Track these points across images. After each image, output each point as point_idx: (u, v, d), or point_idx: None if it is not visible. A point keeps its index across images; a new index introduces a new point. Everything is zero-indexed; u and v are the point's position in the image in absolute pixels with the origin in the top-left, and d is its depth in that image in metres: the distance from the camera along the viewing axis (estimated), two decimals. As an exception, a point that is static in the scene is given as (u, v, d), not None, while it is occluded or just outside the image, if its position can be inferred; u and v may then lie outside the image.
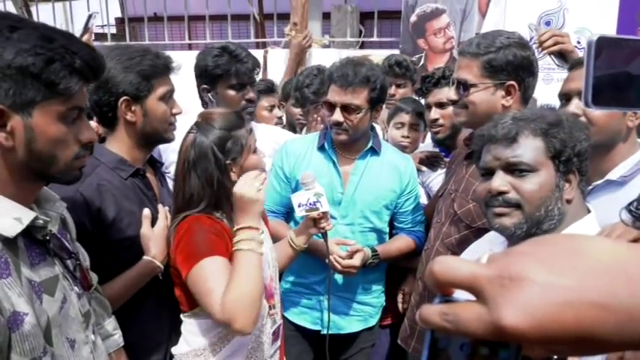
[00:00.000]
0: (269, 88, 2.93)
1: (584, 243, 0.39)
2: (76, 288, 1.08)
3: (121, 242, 1.43)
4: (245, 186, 1.38)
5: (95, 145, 1.49)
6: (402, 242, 2.03)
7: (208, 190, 1.41)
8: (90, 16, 2.20)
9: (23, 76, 0.90)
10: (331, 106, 1.87)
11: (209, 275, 1.31)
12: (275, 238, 1.78)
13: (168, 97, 1.52)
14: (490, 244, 1.22)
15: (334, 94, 1.85)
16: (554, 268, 0.37)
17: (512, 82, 1.53)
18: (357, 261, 1.86)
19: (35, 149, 0.95)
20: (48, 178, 1.03)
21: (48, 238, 1.01)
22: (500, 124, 1.15)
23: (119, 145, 1.50)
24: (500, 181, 1.12)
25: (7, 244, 0.92)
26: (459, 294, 0.40)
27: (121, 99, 1.44)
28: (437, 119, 2.21)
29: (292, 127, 2.85)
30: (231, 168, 1.44)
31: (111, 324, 1.33)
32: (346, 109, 1.84)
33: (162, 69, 1.50)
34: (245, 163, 1.47)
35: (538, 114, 1.13)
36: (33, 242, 0.99)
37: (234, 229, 1.39)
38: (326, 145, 1.98)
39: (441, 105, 2.18)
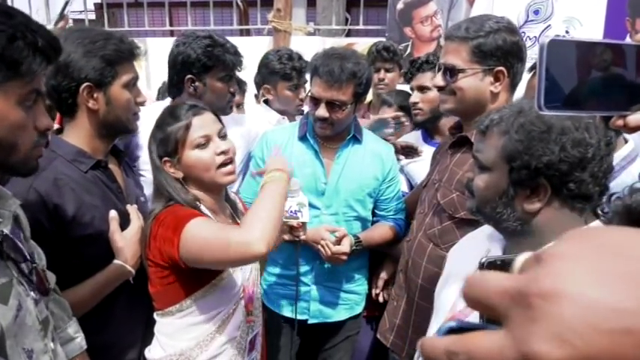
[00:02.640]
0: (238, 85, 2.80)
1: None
2: (32, 293, 0.99)
3: (84, 239, 1.34)
4: (278, 160, 1.46)
5: (51, 137, 1.40)
6: (383, 230, 2.01)
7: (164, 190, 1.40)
8: (66, 3, 2.11)
9: None
10: (316, 101, 1.82)
11: (205, 228, 1.28)
12: None
13: (132, 85, 1.43)
14: (490, 239, 1.15)
15: (319, 90, 1.79)
16: (602, 278, 0.27)
17: (501, 68, 1.48)
18: (346, 247, 1.86)
19: None
20: (6, 170, 0.95)
21: (0, 240, 0.92)
22: (489, 115, 1.09)
23: (78, 134, 1.40)
24: (470, 167, 1.15)
25: None
26: (475, 318, 0.32)
27: (83, 85, 1.35)
28: (416, 102, 2.24)
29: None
30: (167, 164, 1.39)
31: (72, 327, 1.23)
32: (331, 104, 1.80)
33: (127, 54, 1.41)
34: (184, 158, 1.38)
35: (522, 111, 1.05)
36: None
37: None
38: (308, 134, 1.94)
39: (421, 89, 2.23)
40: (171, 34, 5.21)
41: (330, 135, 1.89)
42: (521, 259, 0.31)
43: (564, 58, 0.55)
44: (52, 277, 1.15)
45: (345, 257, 1.87)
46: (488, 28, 1.49)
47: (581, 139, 0.96)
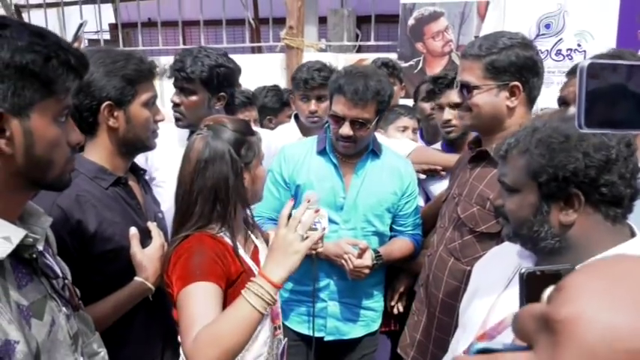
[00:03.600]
0: (248, 100, 2.79)
1: None
2: (64, 309, 1.00)
3: (105, 255, 1.35)
4: (291, 232, 1.24)
5: None
6: (402, 244, 2.00)
7: (214, 194, 1.33)
8: (81, 25, 2.15)
9: (22, 75, 0.84)
10: (339, 119, 1.82)
11: (194, 302, 1.22)
12: None
13: (151, 104, 1.46)
14: (520, 256, 1.15)
15: (343, 107, 1.80)
16: (619, 303, 0.29)
17: (515, 83, 1.50)
18: (368, 260, 1.84)
19: (34, 154, 0.89)
20: (43, 186, 0.97)
21: (35, 256, 0.93)
22: (506, 140, 1.11)
23: (99, 152, 1.42)
24: (498, 194, 1.16)
25: None
26: (506, 336, 0.33)
27: (104, 104, 1.37)
28: (449, 120, 2.20)
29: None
30: (244, 173, 1.38)
31: (96, 341, 1.24)
32: (355, 122, 1.80)
33: (146, 74, 1.43)
34: (257, 170, 1.42)
35: (537, 129, 1.06)
36: (19, 262, 0.91)
37: (259, 269, 1.27)
38: (327, 148, 1.94)
39: (453, 106, 2.17)
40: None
41: (352, 153, 1.90)
42: (547, 291, 0.34)
43: (602, 79, 0.58)
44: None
45: (367, 271, 1.85)
46: (501, 44, 1.51)
47: (601, 142, 0.97)
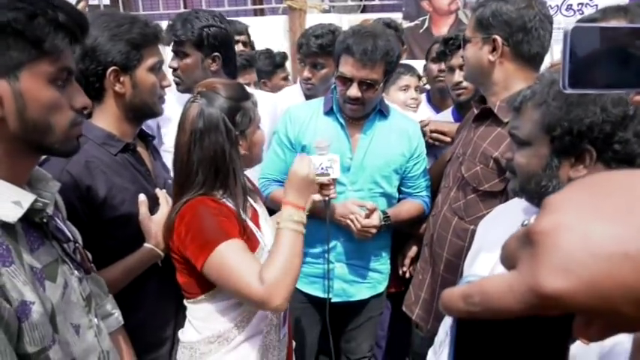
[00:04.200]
0: (248, 63, 2.73)
1: (638, 179, 0.30)
2: (76, 272, 1.02)
3: (115, 220, 1.37)
4: (304, 166, 1.38)
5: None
6: (411, 206, 2.00)
7: (214, 164, 1.34)
8: None
9: (5, 34, 0.81)
10: (347, 80, 1.79)
11: (232, 260, 1.26)
12: (279, 206, 1.74)
13: (157, 69, 1.44)
14: (525, 212, 1.15)
15: (351, 68, 1.77)
16: (598, 211, 0.28)
17: (495, 36, 1.49)
18: (375, 220, 1.85)
19: (28, 117, 0.87)
20: (45, 151, 0.96)
21: (45, 220, 0.94)
22: (521, 92, 1.09)
23: (107, 118, 1.42)
24: (507, 148, 1.15)
25: (6, 229, 0.85)
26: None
27: (110, 69, 1.36)
28: (460, 82, 2.17)
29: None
30: (240, 141, 1.38)
31: (109, 303, 1.28)
32: (363, 83, 1.78)
33: (152, 38, 1.42)
34: (253, 136, 1.41)
35: (555, 81, 1.04)
36: (30, 226, 0.92)
37: (283, 201, 1.37)
38: (334, 109, 1.93)
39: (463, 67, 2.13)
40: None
41: (360, 115, 1.88)
42: (534, 216, 0.33)
43: (587, 42, 0.60)
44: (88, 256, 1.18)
45: (374, 231, 1.86)
46: None
47: (620, 97, 0.95)
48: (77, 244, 1.06)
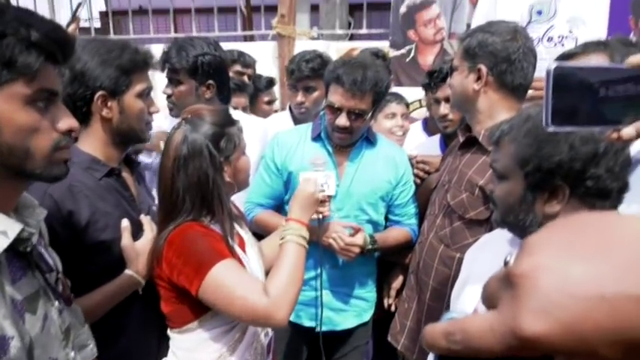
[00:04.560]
0: (238, 87, 2.77)
1: (614, 221, 0.30)
2: (56, 303, 0.98)
3: (97, 245, 1.35)
4: (310, 184, 1.47)
5: None
6: (398, 233, 2.01)
7: (199, 190, 1.34)
8: (79, 5, 2.12)
9: None
10: (336, 109, 1.82)
11: (231, 278, 1.24)
12: (266, 229, 1.74)
13: (145, 95, 1.45)
14: (510, 243, 1.16)
15: (341, 98, 1.80)
16: (575, 253, 0.29)
17: (480, 66, 1.53)
18: (359, 240, 1.85)
19: (3, 142, 0.83)
20: (28, 176, 0.91)
21: (29, 250, 0.91)
22: (500, 126, 1.12)
23: (92, 142, 1.42)
24: (491, 177, 1.20)
25: None
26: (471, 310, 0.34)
27: (98, 93, 1.37)
28: (446, 114, 2.21)
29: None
30: (224, 167, 1.37)
31: (84, 333, 1.22)
32: (352, 113, 1.81)
33: (141, 64, 1.43)
34: (237, 162, 1.41)
35: (529, 117, 1.06)
36: (15, 255, 0.88)
37: (285, 219, 1.41)
38: (322, 135, 1.94)
39: (449, 100, 2.16)
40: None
41: (347, 143, 1.90)
42: (513, 255, 0.34)
43: (567, 81, 0.64)
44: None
45: (357, 250, 1.84)
46: (479, 29, 1.57)
47: (589, 135, 0.97)
48: (59, 274, 1.03)
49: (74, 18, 1.88)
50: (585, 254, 0.29)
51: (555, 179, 1.00)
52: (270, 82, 3.15)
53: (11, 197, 0.92)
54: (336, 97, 1.80)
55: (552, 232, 0.31)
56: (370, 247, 1.88)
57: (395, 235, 2.00)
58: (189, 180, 1.33)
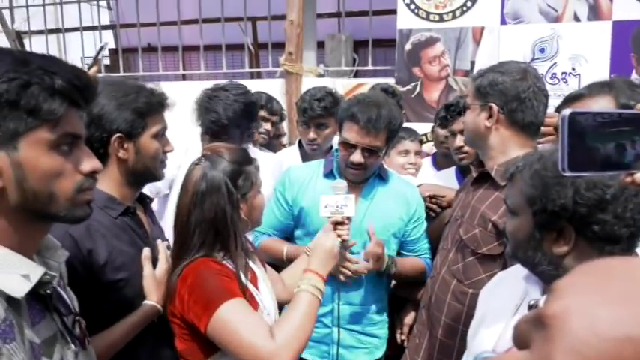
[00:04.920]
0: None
1: (637, 267, 0.33)
2: (73, 346, 0.97)
3: (114, 284, 1.36)
4: (330, 239, 1.50)
5: None
6: (415, 261, 2.01)
7: (214, 226, 1.35)
8: (102, 48, 2.17)
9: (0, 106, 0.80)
10: (350, 146, 1.85)
11: (238, 318, 1.24)
12: (270, 255, 1.75)
13: (161, 135, 1.48)
14: (526, 280, 1.16)
15: (356, 135, 1.83)
16: (602, 296, 0.31)
17: (491, 104, 1.57)
18: (370, 264, 1.82)
19: (29, 188, 0.84)
20: (52, 219, 0.92)
21: (50, 292, 0.90)
22: (516, 162, 1.15)
23: (108, 182, 1.44)
24: (504, 212, 1.21)
25: (11, 302, 0.81)
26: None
27: (115, 136, 1.40)
28: (462, 147, 2.23)
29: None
30: (240, 204, 1.39)
31: None
32: (366, 150, 1.84)
33: (157, 106, 1.46)
34: (253, 200, 1.43)
35: (542, 157, 1.09)
36: (34, 298, 0.88)
37: (304, 269, 1.44)
38: (334, 171, 1.97)
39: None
40: (184, 77, 5.34)
41: (361, 180, 1.92)
42: (542, 298, 0.36)
43: (582, 126, 0.65)
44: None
45: (364, 271, 1.83)
46: (490, 69, 1.61)
47: (597, 181, 0.98)
48: (77, 317, 1.02)
49: (96, 61, 1.92)
50: (612, 298, 0.31)
51: (561, 221, 1.01)
52: (281, 118, 3.20)
53: (35, 240, 0.93)
54: (351, 134, 1.83)
55: (580, 276, 0.34)
56: (388, 264, 1.87)
57: (412, 262, 1.99)
58: (206, 215, 1.35)
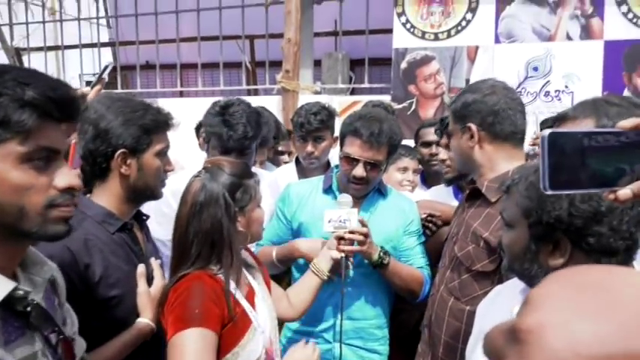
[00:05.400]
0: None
1: (618, 277, 0.31)
2: None
3: (108, 301, 1.35)
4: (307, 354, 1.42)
5: (81, 198, 1.39)
6: (412, 268, 1.97)
7: (210, 237, 1.36)
8: (106, 67, 2.18)
9: None
10: (353, 160, 1.87)
11: (188, 350, 1.22)
12: (264, 260, 1.76)
13: (163, 154, 1.50)
14: (522, 293, 1.17)
15: (359, 150, 1.85)
16: (580, 309, 0.29)
17: (469, 124, 1.60)
18: (364, 230, 1.77)
19: None
20: (25, 236, 0.88)
21: (29, 309, 0.87)
22: (512, 175, 1.16)
23: (108, 197, 1.45)
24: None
25: None
26: None
27: (119, 151, 1.40)
28: (444, 160, 2.24)
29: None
30: (238, 217, 1.40)
31: None
32: (368, 164, 1.86)
33: (163, 125, 1.48)
34: (252, 214, 1.44)
35: (538, 169, 1.09)
36: (11, 314, 0.85)
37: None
38: (333, 187, 1.98)
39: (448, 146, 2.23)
40: (181, 94, 5.38)
41: (362, 194, 1.93)
42: (516, 307, 0.35)
43: (562, 146, 0.66)
44: (81, 346, 1.11)
45: (361, 237, 1.77)
46: (461, 92, 1.66)
47: (593, 193, 0.97)
48: (62, 336, 0.97)
49: (100, 80, 1.92)
50: (590, 312, 0.29)
51: (557, 233, 1.02)
52: (289, 133, 3.21)
53: (12, 257, 0.90)
54: (353, 148, 1.85)
55: (555, 285, 0.31)
56: (381, 255, 1.83)
57: (409, 267, 1.95)
58: (202, 226, 1.35)
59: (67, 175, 0.89)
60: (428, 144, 2.58)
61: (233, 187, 1.39)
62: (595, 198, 0.98)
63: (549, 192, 0.67)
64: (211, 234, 1.35)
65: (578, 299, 0.29)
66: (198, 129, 3.65)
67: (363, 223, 1.79)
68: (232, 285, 1.37)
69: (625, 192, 0.72)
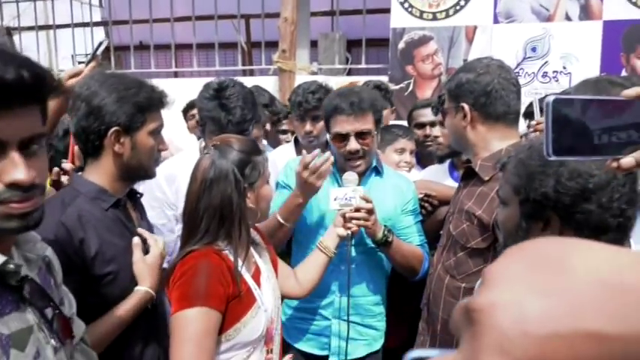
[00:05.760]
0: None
1: (573, 252, 0.29)
2: (52, 341, 0.92)
3: (103, 277, 1.34)
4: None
5: (74, 176, 1.34)
6: (412, 246, 1.97)
7: (220, 212, 1.37)
8: (100, 44, 2.13)
9: None
10: (343, 137, 1.85)
11: (190, 330, 1.25)
12: (269, 231, 1.76)
13: (157, 133, 1.47)
14: None
15: (345, 124, 1.83)
16: (531, 286, 0.28)
17: (462, 104, 1.60)
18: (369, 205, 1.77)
19: None
20: None
21: (21, 283, 0.87)
22: (509, 153, 1.16)
23: (100, 174, 1.43)
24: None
25: None
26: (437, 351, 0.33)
27: (112, 129, 1.38)
28: (437, 136, 2.34)
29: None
30: (247, 193, 1.40)
31: None
32: (360, 135, 1.84)
33: (157, 103, 1.45)
34: (261, 190, 1.44)
35: (532, 147, 1.09)
36: (5, 289, 0.85)
37: None
38: (332, 167, 1.95)
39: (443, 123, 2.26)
40: (176, 75, 5.32)
41: (363, 170, 1.91)
42: (478, 283, 0.34)
43: (566, 112, 0.66)
44: (80, 326, 1.11)
45: (366, 215, 1.76)
46: (456, 71, 1.66)
47: (582, 170, 0.97)
48: (57, 310, 0.98)
49: (94, 57, 1.88)
50: (542, 289, 0.28)
51: (546, 210, 1.02)
52: (285, 115, 3.19)
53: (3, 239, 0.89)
54: (340, 125, 1.84)
55: (510, 261, 0.31)
56: (385, 234, 1.83)
57: (409, 245, 1.95)
58: (212, 201, 1.36)
59: (16, 170, 0.81)
60: (422, 125, 2.59)
61: (242, 164, 1.39)
62: (584, 175, 0.98)
63: (552, 158, 0.66)
64: (221, 209, 1.36)
65: (530, 276, 0.29)
66: (186, 112, 3.61)
67: (367, 200, 1.78)
68: (239, 262, 1.38)
69: (628, 160, 0.72)
